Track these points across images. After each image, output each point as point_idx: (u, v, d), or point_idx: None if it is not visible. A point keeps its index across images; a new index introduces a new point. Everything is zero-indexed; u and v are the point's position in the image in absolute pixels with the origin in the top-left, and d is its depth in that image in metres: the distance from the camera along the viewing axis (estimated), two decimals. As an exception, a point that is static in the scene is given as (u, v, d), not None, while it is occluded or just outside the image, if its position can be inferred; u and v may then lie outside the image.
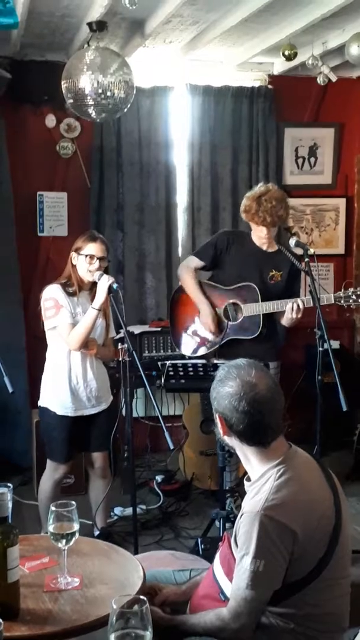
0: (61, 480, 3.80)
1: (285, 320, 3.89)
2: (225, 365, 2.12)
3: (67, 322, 3.57)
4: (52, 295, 3.60)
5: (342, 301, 3.79)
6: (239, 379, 2.02)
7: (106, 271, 3.63)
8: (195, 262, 4.13)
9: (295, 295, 3.94)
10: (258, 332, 3.92)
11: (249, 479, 2.09)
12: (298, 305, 3.78)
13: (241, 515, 1.99)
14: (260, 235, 3.97)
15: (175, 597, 2.25)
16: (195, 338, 4.15)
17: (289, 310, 3.80)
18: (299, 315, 3.81)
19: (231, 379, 2.04)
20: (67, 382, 3.64)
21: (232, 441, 2.08)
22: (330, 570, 1.95)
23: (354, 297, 3.78)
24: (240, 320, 4.00)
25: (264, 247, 4.01)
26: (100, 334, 3.72)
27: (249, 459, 2.07)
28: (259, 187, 3.96)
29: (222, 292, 4.04)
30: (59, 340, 3.64)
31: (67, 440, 3.70)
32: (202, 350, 4.09)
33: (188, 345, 4.16)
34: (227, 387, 2.04)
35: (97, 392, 3.70)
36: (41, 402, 3.74)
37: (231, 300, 4.01)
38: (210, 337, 4.05)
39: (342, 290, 3.81)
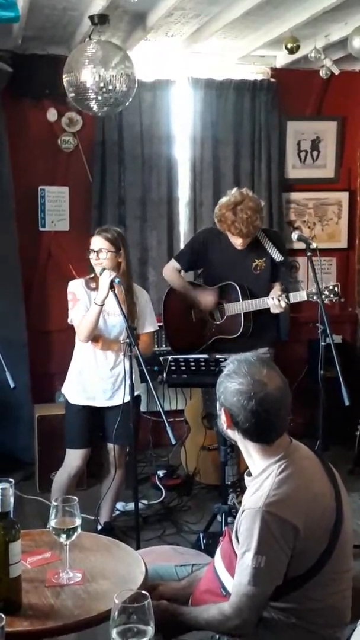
0: (76, 475, 3.79)
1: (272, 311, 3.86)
2: (235, 359, 2.07)
3: (80, 315, 3.63)
4: (71, 289, 3.71)
5: (314, 297, 3.62)
6: (250, 377, 1.98)
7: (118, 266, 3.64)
8: (175, 264, 4.17)
9: (290, 277, 3.88)
10: (240, 332, 3.91)
11: (249, 474, 2.08)
12: (279, 301, 3.73)
13: (242, 511, 1.99)
14: (236, 243, 3.90)
15: (173, 593, 2.24)
16: (185, 338, 4.15)
17: (272, 307, 3.78)
18: (281, 310, 3.77)
19: (241, 376, 2.00)
20: (77, 372, 3.75)
21: (234, 435, 2.07)
22: (331, 565, 1.95)
23: (326, 292, 3.64)
24: (224, 319, 4.00)
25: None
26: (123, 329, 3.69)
27: (251, 454, 2.07)
28: (234, 195, 3.81)
29: (206, 292, 4.04)
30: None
31: (79, 428, 3.76)
32: (192, 349, 4.08)
33: (179, 345, 4.17)
34: (237, 383, 2.00)
35: (112, 385, 3.70)
36: (62, 389, 3.87)
37: (215, 300, 4.01)
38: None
39: (315, 286, 3.60)
